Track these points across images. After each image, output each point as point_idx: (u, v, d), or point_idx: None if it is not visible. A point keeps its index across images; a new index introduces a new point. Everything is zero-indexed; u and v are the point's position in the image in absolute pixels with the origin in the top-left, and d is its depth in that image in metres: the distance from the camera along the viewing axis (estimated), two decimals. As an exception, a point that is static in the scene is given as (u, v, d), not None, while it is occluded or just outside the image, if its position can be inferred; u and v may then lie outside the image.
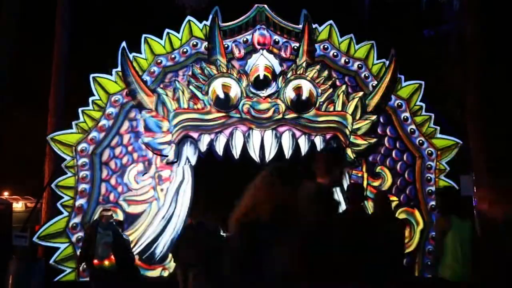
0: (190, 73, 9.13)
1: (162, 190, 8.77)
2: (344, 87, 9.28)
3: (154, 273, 8.50)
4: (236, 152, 8.74)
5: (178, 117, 8.76)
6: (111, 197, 8.70)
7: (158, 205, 8.66)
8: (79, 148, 8.69)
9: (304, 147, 8.87)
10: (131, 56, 9.01)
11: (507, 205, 8.60)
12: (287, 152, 8.82)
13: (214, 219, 7.45)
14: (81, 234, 8.24)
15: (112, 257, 6.98)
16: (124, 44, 8.94)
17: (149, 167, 8.86)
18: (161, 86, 9.08)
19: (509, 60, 10.87)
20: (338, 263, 2.81)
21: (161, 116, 8.82)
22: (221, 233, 7.62)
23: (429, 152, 9.49)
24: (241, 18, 9.64)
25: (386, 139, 9.54)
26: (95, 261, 6.99)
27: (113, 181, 8.78)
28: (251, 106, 8.87)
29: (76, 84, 10.82)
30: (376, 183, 9.29)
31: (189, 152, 8.80)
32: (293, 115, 8.97)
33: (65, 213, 8.46)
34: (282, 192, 2.65)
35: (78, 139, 8.73)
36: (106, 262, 6.96)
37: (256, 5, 9.66)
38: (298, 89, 9.04)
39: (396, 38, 11.24)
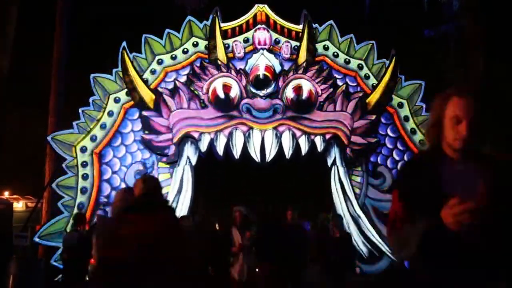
0: (190, 72, 9.13)
1: (163, 189, 8.76)
2: (344, 86, 9.29)
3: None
4: (237, 152, 8.74)
5: (178, 117, 8.76)
6: (112, 196, 8.68)
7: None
8: (79, 147, 8.69)
9: (304, 147, 8.88)
10: (131, 55, 9.02)
11: None
12: (287, 152, 8.83)
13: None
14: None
15: None
16: (124, 44, 8.94)
17: (150, 167, 8.86)
18: (162, 85, 9.09)
19: (509, 60, 10.87)
20: None
21: (161, 116, 8.82)
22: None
23: (430, 151, 9.48)
24: (241, 18, 9.66)
25: (387, 139, 9.56)
26: (92, 260, 6.97)
27: (114, 181, 8.78)
28: (251, 106, 8.87)
29: (76, 84, 10.82)
30: (376, 183, 9.30)
31: (189, 151, 8.80)
32: (293, 114, 8.97)
33: (66, 213, 8.45)
34: None
35: (79, 138, 8.73)
36: None
37: (256, 4, 9.67)
38: (298, 89, 9.04)
39: (396, 38, 11.25)
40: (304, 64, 9.18)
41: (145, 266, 2.30)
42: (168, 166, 8.85)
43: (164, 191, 8.70)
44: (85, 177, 8.65)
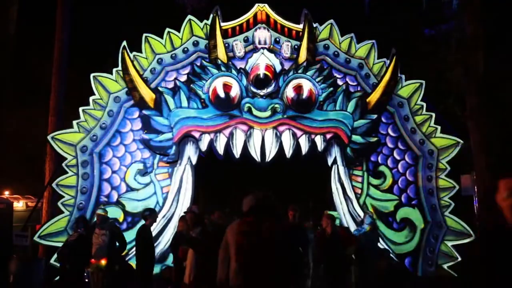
0: (190, 71, 9.13)
1: (162, 189, 8.77)
2: (344, 86, 9.29)
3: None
4: (237, 151, 8.73)
5: (178, 116, 8.75)
6: (112, 196, 8.70)
7: (159, 204, 8.66)
8: (80, 147, 8.69)
9: (304, 147, 8.87)
10: (131, 55, 9.01)
11: None
12: (288, 151, 8.82)
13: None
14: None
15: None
16: (124, 43, 8.94)
17: (150, 166, 8.85)
18: (162, 84, 9.09)
19: (509, 59, 10.87)
20: None
21: (161, 115, 8.81)
22: None
23: (430, 151, 9.50)
24: (242, 17, 9.65)
25: (387, 138, 9.55)
26: (92, 260, 6.96)
27: (113, 180, 8.77)
28: (251, 105, 8.86)
29: (77, 84, 10.83)
30: (377, 182, 9.30)
31: (189, 151, 8.79)
32: (293, 114, 8.96)
33: (66, 212, 8.44)
34: None
35: (79, 138, 8.73)
36: (103, 261, 6.94)
37: (256, 4, 9.67)
38: (298, 88, 9.04)
39: (396, 37, 11.24)
40: (305, 64, 9.18)
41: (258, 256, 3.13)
42: (168, 165, 8.85)
43: (164, 190, 8.76)
44: (85, 176, 8.65)
